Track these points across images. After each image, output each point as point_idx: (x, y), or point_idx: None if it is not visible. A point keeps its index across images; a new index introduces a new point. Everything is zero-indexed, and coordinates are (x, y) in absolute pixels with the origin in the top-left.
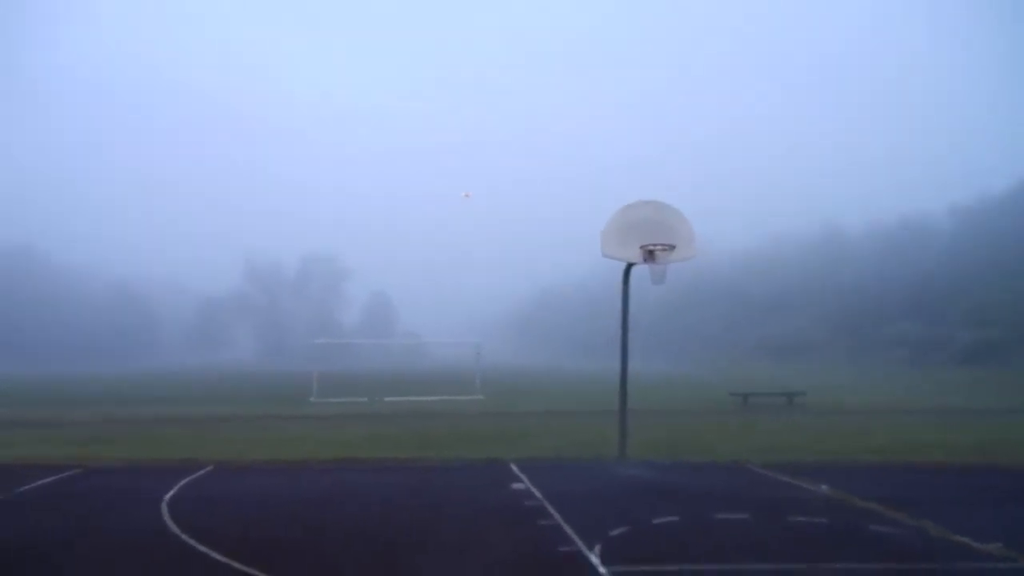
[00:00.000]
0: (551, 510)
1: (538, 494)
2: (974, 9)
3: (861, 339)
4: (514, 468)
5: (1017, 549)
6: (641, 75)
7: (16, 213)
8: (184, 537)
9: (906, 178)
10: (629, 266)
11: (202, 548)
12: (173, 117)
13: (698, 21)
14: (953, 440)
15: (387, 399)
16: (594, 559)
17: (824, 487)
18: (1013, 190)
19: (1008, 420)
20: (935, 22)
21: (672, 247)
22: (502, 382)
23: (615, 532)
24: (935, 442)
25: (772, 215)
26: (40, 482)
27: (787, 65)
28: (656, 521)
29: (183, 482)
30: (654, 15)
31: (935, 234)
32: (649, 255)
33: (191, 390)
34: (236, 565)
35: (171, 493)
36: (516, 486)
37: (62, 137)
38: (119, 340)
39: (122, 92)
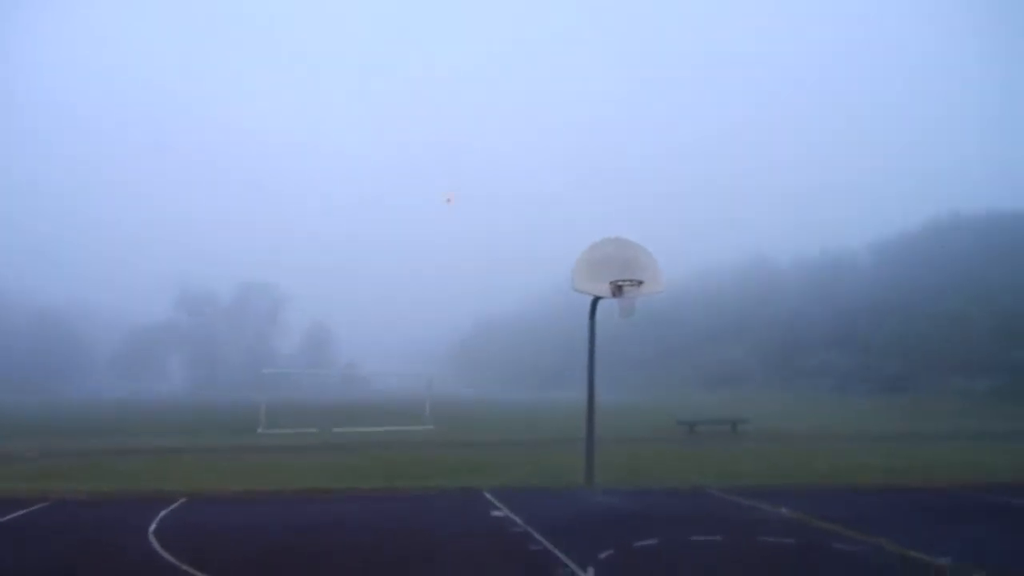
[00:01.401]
0: (537, 536)
1: (519, 521)
2: (904, 55)
3: (789, 368)
4: (488, 496)
5: (966, 561)
6: (577, 103)
7: None
8: (187, 568)
9: (829, 213)
10: (596, 300)
11: None
12: (106, 143)
13: (636, 49)
14: (888, 463)
15: (336, 429)
16: None
17: (784, 509)
18: (928, 226)
19: (931, 444)
20: (857, 58)
21: (640, 282)
22: (448, 412)
23: (603, 555)
24: (872, 465)
25: (703, 246)
26: (12, 515)
27: (723, 100)
28: (638, 544)
29: (162, 514)
30: (597, 37)
31: (856, 268)
32: (618, 290)
33: (127, 421)
34: None
35: (153, 526)
36: (496, 513)
37: None
38: (40, 368)
39: (55, 115)
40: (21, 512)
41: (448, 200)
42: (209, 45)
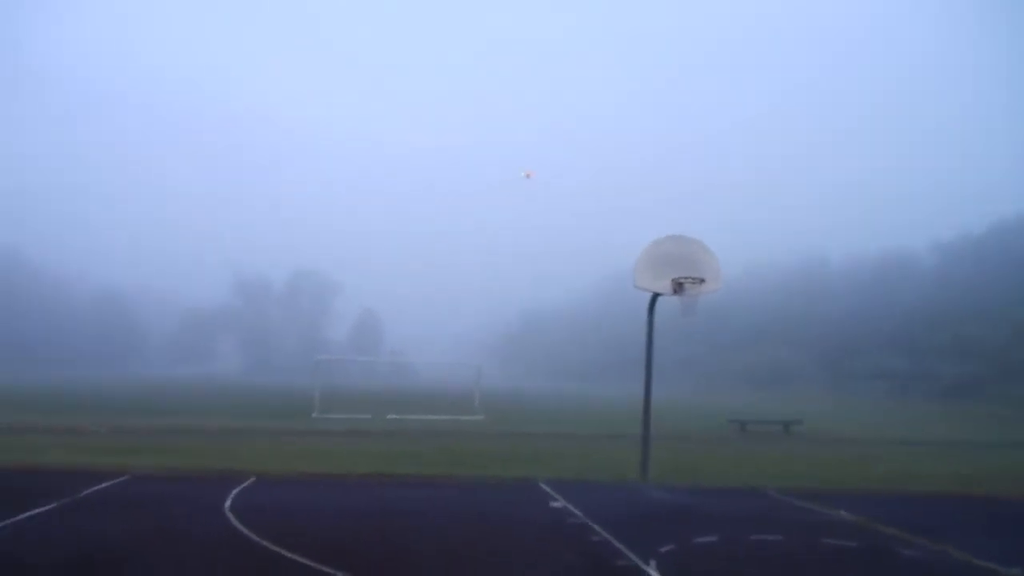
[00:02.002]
0: (596, 527)
1: (578, 512)
2: (965, 48)
3: (841, 370)
4: (544, 487)
5: None
6: (621, 95)
7: (3, 218)
8: (268, 544)
9: (889, 213)
10: (655, 297)
11: (291, 555)
12: (165, 128)
13: (678, 42)
14: (946, 470)
15: (389, 417)
16: (654, 573)
17: (843, 512)
18: (994, 229)
19: (994, 452)
20: (923, 58)
21: (702, 280)
22: (497, 403)
23: (664, 549)
24: (931, 472)
25: (754, 244)
26: (97, 487)
27: (773, 93)
28: (698, 540)
29: (235, 491)
30: (627, 26)
31: (917, 270)
32: (679, 287)
33: (186, 401)
34: (339, 573)
35: (228, 503)
36: (554, 504)
37: (51, 142)
38: (102, 348)
39: (112, 101)
40: (104, 485)
41: (527, 175)
42: (264, 40)
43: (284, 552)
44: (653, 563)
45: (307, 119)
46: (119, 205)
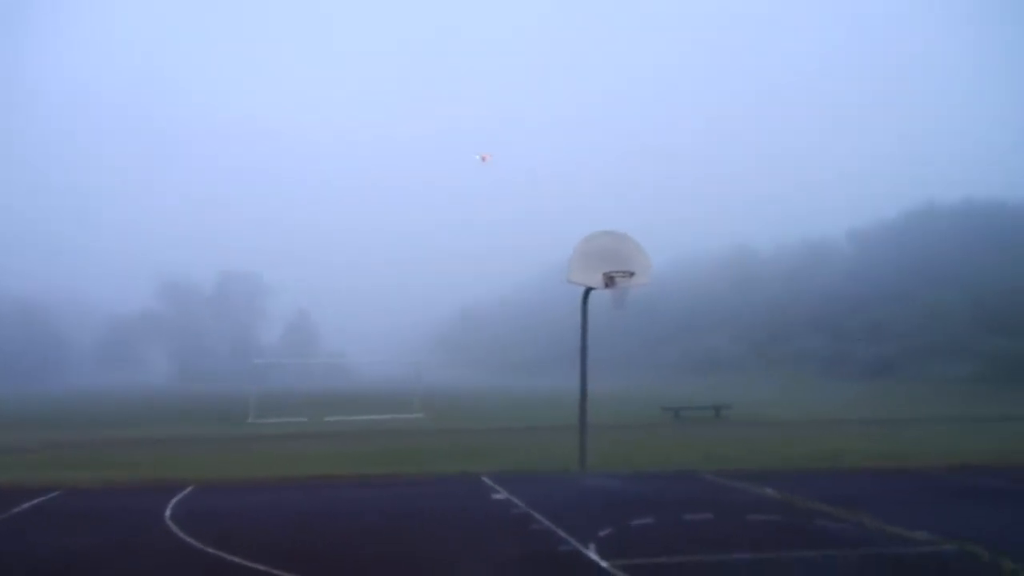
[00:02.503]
0: (538, 516)
1: (520, 503)
2: (885, 48)
3: (772, 354)
4: (487, 480)
5: (938, 534)
6: (563, 96)
7: None
8: (213, 551)
9: (808, 203)
10: (588, 291)
11: (236, 559)
12: (84, 129)
13: (622, 44)
14: (866, 447)
15: (328, 419)
16: (593, 556)
17: (769, 490)
18: (905, 216)
19: (910, 428)
20: (831, 53)
21: (632, 274)
22: (436, 400)
23: (603, 533)
24: (851, 448)
25: (687, 236)
26: (27, 504)
27: (704, 92)
28: (635, 523)
29: (174, 500)
30: (586, 29)
31: (835, 256)
32: (610, 281)
33: (116, 412)
34: (283, 574)
35: (168, 512)
36: (496, 496)
37: None
38: (23, 361)
39: (31, 102)
40: (36, 500)
41: (483, 159)
42: (195, 31)
43: (229, 557)
44: (592, 547)
45: (234, 114)
46: (34, 210)
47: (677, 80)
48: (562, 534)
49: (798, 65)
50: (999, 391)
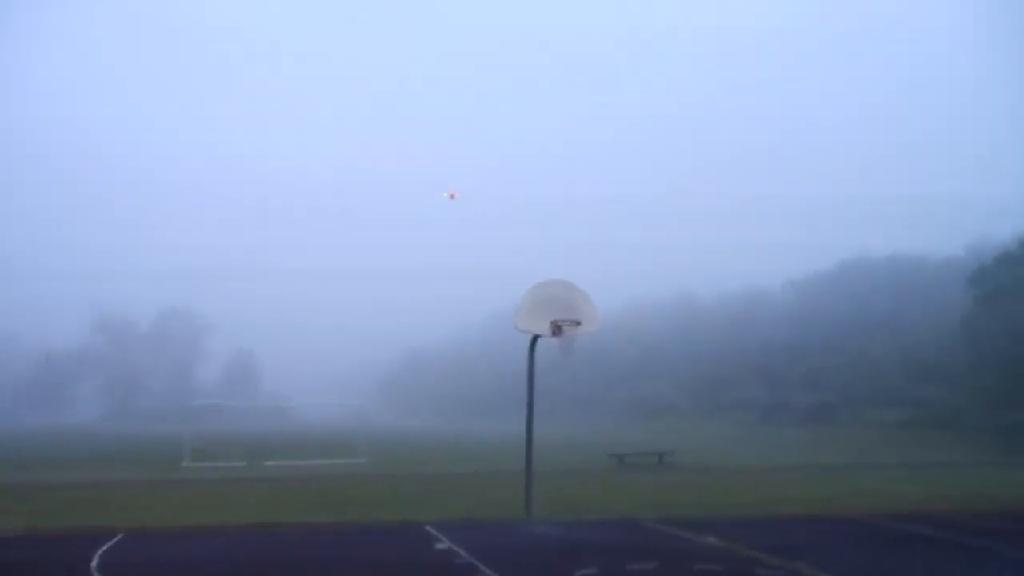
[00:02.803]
0: (483, 568)
1: (463, 553)
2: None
3: (714, 402)
4: (431, 529)
5: None
6: (503, 136)
7: None
8: None
9: (748, 250)
10: (535, 338)
11: None
12: (14, 156)
13: (575, 95)
14: (803, 494)
15: (268, 463)
16: None
17: (711, 538)
18: (840, 266)
19: (847, 474)
20: (779, 107)
21: (578, 323)
22: (380, 444)
23: None
24: (791, 495)
25: (632, 283)
26: None
27: (649, 136)
28: (579, 573)
29: (101, 550)
30: (535, 77)
31: (775, 304)
32: (558, 329)
33: (46, 454)
34: None
35: (95, 562)
36: (440, 546)
37: None
38: None
39: None
40: None
41: (451, 197)
42: (135, 60)
43: None
44: None
45: (170, 144)
46: None
47: (626, 132)
48: None
49: (739, 121)
50: (927, 437)
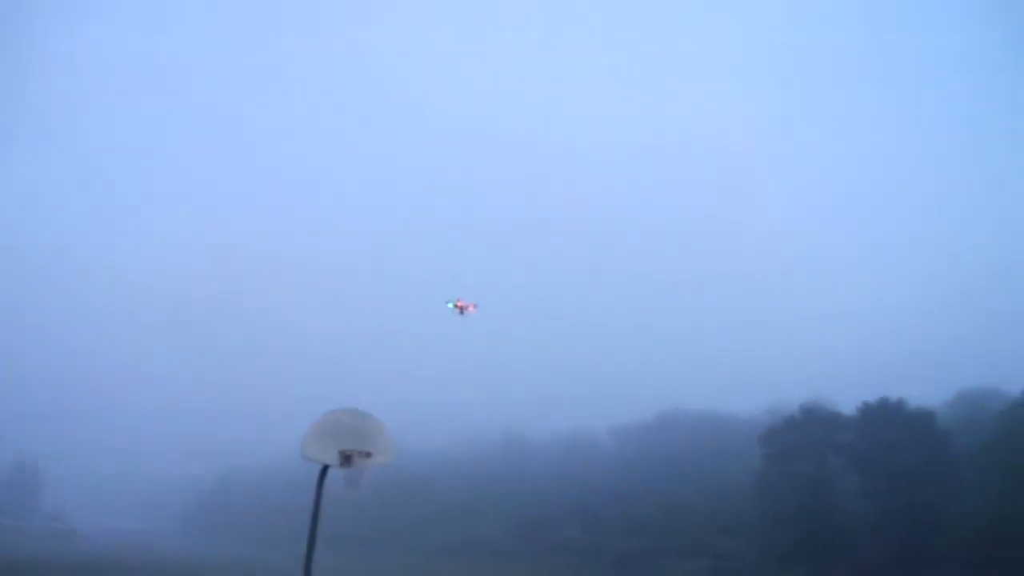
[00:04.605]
0: None
1: None
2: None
3: (536, 542)
4: None
5: None
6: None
7: None
8: None
9: (577, 394)
10: (325, 468)
11: None
12: None
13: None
14: None
15: None
16: None
17: None
18: (658, 417)
19: None
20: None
21: (369, 454)
22: (168, 573)
23: None
24: None
25: (465, 417)
26: None
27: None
28: None
29: None
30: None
31: (599, 450)
32: (347, 460)
33: None
34: None
35: None
36: None
37: None
38: None
39: None
40: None
41: (464, 308)
42: None
43: None
44: None
45: None
46: None
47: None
48: None
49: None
50: None
